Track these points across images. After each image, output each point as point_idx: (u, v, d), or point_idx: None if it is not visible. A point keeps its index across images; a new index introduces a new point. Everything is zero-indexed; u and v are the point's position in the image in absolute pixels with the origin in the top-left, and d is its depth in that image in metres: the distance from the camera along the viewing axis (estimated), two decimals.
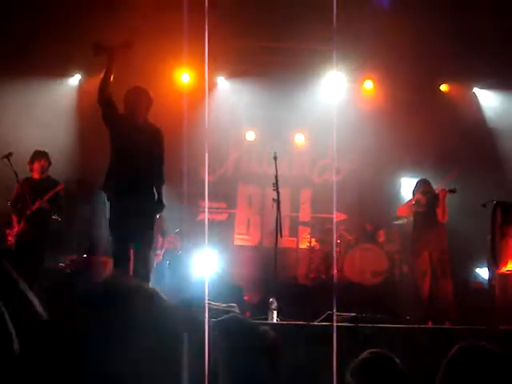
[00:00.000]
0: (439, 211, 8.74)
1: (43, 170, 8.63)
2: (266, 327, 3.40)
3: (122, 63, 10.74)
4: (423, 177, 9.34)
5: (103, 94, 6.38)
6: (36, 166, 8.59)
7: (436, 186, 9.05)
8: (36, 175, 8.62)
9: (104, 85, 6.38)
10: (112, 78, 6.47)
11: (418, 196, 8.94)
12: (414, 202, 8.99)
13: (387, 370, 3.02)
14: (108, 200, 6.40)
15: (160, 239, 9.82)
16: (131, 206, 6.18)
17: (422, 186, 8.97)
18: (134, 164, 6.24)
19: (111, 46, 6.51)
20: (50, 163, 8.72)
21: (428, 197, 8.86)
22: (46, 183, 8.60)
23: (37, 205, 8.37)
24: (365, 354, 3.10)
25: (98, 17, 9.95)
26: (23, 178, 8.57)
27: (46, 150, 8.77)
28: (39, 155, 8.64)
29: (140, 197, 6.26)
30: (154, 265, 9.12)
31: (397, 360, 3.06)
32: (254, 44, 10.96)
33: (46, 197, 8.43)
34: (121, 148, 6.36)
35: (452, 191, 8.74)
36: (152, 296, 1.54)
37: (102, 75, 6.48)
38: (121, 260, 6.26)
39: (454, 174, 9.38)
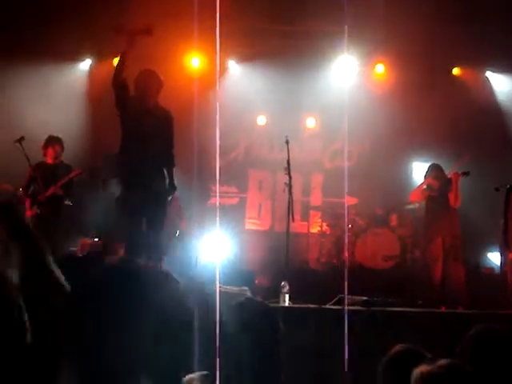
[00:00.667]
0: (452, 195, 8.71)
1: (57, 156, 8.67)
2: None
3: (135, 49, 10.82)
4: (435, 161, 9.30)
5: (118, 77, 6.42)
6: (50, 151, 8.62)
7: (448, 170, 9.00)
8: (49, 160, 8.65)
9: (120, 68, 6.41)
10: (127, 62, 6.48)
11: (430, 180, 8.91)
12: (425, 187, 8.96)
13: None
14: (118, 184, 6.46)
15: (178, 221, 9.82)
16: (142, 189, 6.21)
17: (434, 171, 8.94)
18: (145, 146, 6.26)
19: (131, 31, 6.50)
20: (63, 149, 8.74)
21: (440, 182, 8.83)
22: (60, 169, 8.63)
23: (51, 190, 8.39)
24: (396, 348, 3.06)
25: (108, 1, 9.95)
26: (36, 162, 8.59)
27: (60, 136, 8.79)
28: (53, 140, 8.66)
29: (151, 179, 6.29)
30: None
31: (428, 355, 3.02)
32: (264, 27, 10.93)
33: (60, 182, 8.45)
34: (131, 130, 6.38)
35: (465, 174, 8.71)
36: (165, 276, 1.53)
37: (118, 59, 6.49)
38: (133, 243, 6.29)
39: (466, 158, 9.31)
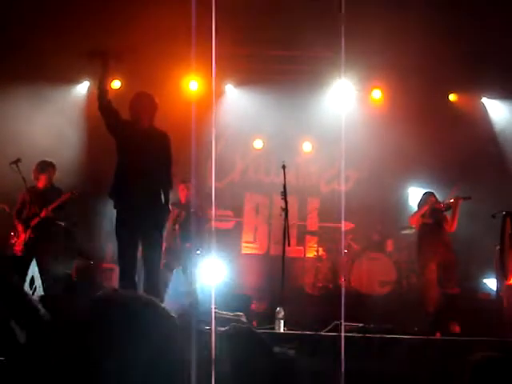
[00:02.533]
0: (451, 220, 8.75)
1: (50, 181, 8.65)
2: (281, 349, 3.34)
3: (130, 71, 10.86)
4: (431, 187, 9.31)
5: (102, 102, 6.32)
6: (43, 176, 8.60)
7: (445, 197, 9.02)
8: (41, 185, 8.62)
9: (101, 92, 6.32)
10: (108, 84, 6.49)
11: (426, 208, 8.91)
12: (420, 215, 8.97)
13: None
14: (115, 207, 6.34)
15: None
16: (139, 212, 6.16)
17: (428, 198, 8.96)
18: (141, 170, 6.19)
19: (104, 52, 6.43)
20: (55, 172, 8.74)
21: (433, 209, 8.85)
22: (51, 192, 8.61)
23: (43, 214, 8.38)
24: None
25: (106, 25, 9.98)
26: (28, 186, 8.56)
27: (53, 161, 8.77)
28: (46, 166, 8.63)
29: (147, 202, 6.22)
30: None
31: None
32: (262, 52, 10.98)
33: (52, 206, 8.43)
34: (127, 154, 6.30)
35: (467, 198, 8.75)
36: (156, 311, 1.51)
37: (97, 83, 6.41)
38: (127, 268, 6.24)
39: (459, 185, 9.31)
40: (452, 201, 8.85)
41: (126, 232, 6.22)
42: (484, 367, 2.85)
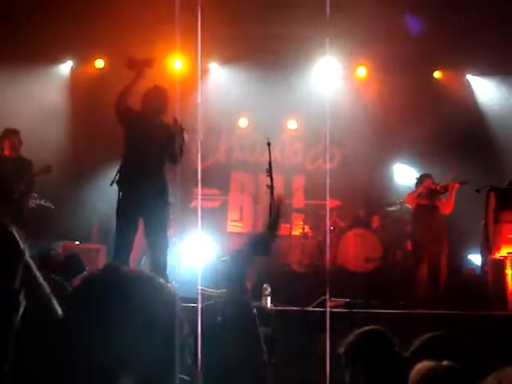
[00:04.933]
0: (446, 202, 8.81)
1: (14, 148, 8.41)
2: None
3: (114, 50, 10.78)
4: (415, 163, 9.35)
5: (123, 102, 6.68)
6: (7, 142, 8.39)
7: (443, 178, 9.08)
8: (7, 152, 8.41)
9: (124, 96, 6.69)
10: (132, 91, 6.81)
11: (421, 189, 8.96)
12: (416, 195, 9.01)
13: (378, 345, 3.06)
14: (120, 191, 6.61)
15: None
16: (144, 195, 6.44)
17: (425, 180, 8.99)
18: (147, 158, 6.47)
19: (141, 63, 6.78)
20: (21, 142, 8.47)
21: (430, 191, 8.90)
22: (20, 163, 8.36)
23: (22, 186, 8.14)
24: (354, 333, 3.13)
25: (90, 3, 9.89)
26: None
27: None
28: (9, 133, 8.41)
29: (154, 190, 6.50)
30: None
31: (387, 334, 3.10)
32: (247, 30, 10.91)
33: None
34: (135, 144, 6.61)
35: (463, 183, 8.80)
36: (154, 284, 1.52)
37: (126, 86, 6.74)
38: (123, 247, 6.53)
39: (457, 170, 9.34)
40: (449, 184, 8.90)
41: (128, 213, 6.52)
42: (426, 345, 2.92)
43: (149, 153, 6.47)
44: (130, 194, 6.56)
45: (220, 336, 3.25)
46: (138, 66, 6.75)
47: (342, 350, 3.10)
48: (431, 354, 2.58)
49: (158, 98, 6.79)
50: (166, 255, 6.69)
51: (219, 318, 3.39)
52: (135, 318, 1.40)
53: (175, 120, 6.66)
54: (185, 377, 1.89)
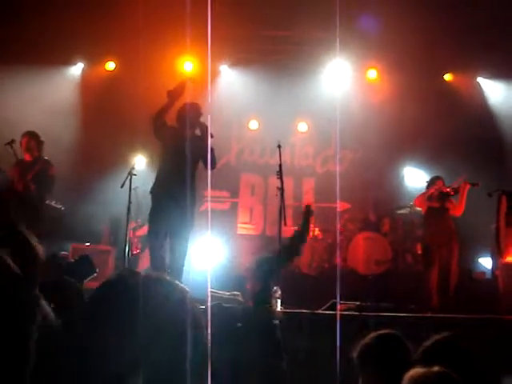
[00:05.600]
0: (457, 204, 8.77)
1: (30, 149, 8.33)
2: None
3: (125, 53, 10.82)
4: (426, 166, 9.31)
5: (160, 119, 7.18)
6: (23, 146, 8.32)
7: (454, 181, 9.04)
8: (26, 157, 8.34)
9: (161, 114, 7.18)
10: (169, 110, 7.28)
11: (432, 191, 8.93)
12: (427, 197, 8.98)
13: (392, 348, 3.05)
14: (154, 199, 7.19)
15: None
16: (174, 205, 6.93)
17: (436, 183, 8.96)
18: (180, 169, 6.88)
19: (179, 91, 7.27)
20: (39, 143, 8.40)
21: (441, 193, 8.87)
22: (36, 163, 8.30)
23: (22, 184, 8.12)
24: (369, 337, 3.12)
25: (102, 6, 9.93)
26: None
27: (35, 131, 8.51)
28: (26, 134, 8.36)
29: (184, 197, 6.87)
30: None
31: (402, 338, 3.09)
32: (257, 33, 10.93)
33: (31, 174, 8.16)
34: (170, 155, 7.14)
35: (474, 185, 8.74)
36: (164, 282, 1.53)
37: (162, 107, 7.23)
38: (155, 252, 6.98)
39: (469, 172, 9.31)
40: (459, 186, 8.86)
41: (159, 219, 7.00)
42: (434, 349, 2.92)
43: (182, 164, 6.84)
44: (164, 202, 7.03)
45: (241, 341, 3.25)
46: (176, 93, 7.25)
47: (355, 353, 3.09)
48: (438, 357, 2.58)
49: (191, 113, 7.21)
50: (184, 260, 7.08)
51: (239, 324, 3.39)
52: (150, 320, 1.41)
53: (206, 130, 7.12)
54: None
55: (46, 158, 8.51)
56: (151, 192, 7.28)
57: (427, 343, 2.91)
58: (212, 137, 7.08)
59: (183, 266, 7.07)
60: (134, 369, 1.40)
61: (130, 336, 1.40)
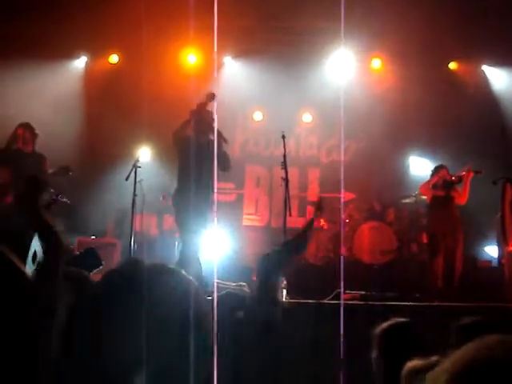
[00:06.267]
0: (461, 193, 8.77)
1: (26, 142, 8.14)
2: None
3: (128, 46, 10.82)
4: (430, 156, 9.28)
5: (181, 133, 7.56)
6: (18, 136, 8.12)
7: (459, 170, 9.04)
8: (20, 146, 8.14)
9: (184, 128, 7.58)
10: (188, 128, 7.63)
11: (437, 179, 8.93)
12: (431, 186, 8.99)
13: (406, 336, 3.07)
14: (176, 203, 7.65)
15: None
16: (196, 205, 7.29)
17: (441, 171, 8.96)
18: (201, 175, 7.27)
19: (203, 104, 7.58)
20: (34, 135, 8.22)
21: (445, 182, 8.87)
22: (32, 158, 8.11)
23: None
24: (386, 323, 3.14)
25: None
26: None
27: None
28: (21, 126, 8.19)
29: (205, 198, 7.48)
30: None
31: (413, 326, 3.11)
32: (261, 23, 10.91)
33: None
34: (188, 161, 7.35)
35: (478, 173, 8.75)
36: (173, 274, 1.54)
37: (185, 121, 7.62)
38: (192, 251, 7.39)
39: (474, 161, 9.30)
40: (463, 174, 8.86)
41: (188, 219, 7.39)
42: (469, 330, 2.91)
43: (201, 168, 7.24)
44: (186, 205, 7.36)
45: (242, 331, 3.26)
46: (197, 112, 7.62)
47: (374, 340, 3.10)
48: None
49: (207, 120, 7.56)
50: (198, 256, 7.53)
51: (241, 313, 3.40)
52: (156, 310, 1.43)
53: (220, 134, 7.48)
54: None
55: (41, 152, 8.39)
56: (174, 198, 7.72)
57: (457, 325, 2.91)
58: (226, 142, 7.61)
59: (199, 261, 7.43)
60: (137, 364, 1.41)
61: (133, 325, 1.41)
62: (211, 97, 7.54)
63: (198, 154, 7.29)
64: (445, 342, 2.95)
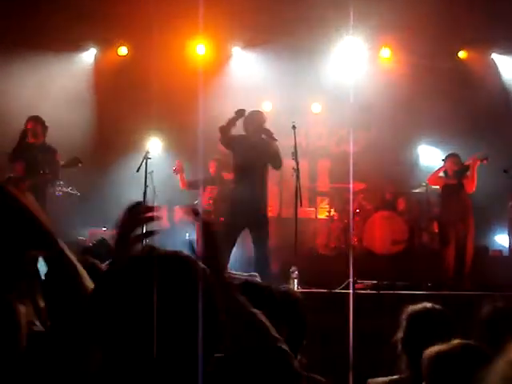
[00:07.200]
0: (469, 180, 8.74)
1: (35, 134, 8.21)
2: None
3: (137, 38, 10.83)
4: (441, 145, 9.26)
5: (225, 136, 7.78)
6: (28, 130, 8.18)
7: (468, 158, 9.01)
8: (30, 139, 8.20)
9: (226, 130, 7.76)
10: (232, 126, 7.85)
11: (447, 168, 8.92)
12: (441, 174, 8.98)
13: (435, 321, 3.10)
14: (232, 198, 7.91)
15: None
16: (248, 203, 7.55)
17: (452, 159, 8.94)
18: (255, 173, 7.70)
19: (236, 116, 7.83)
20: (44, 128, 8.28)
21: (456, 170, 8.85)
22: (41, 150, 8.18)
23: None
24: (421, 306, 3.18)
25: None
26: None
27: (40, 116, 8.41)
28: (31, 119, 8.25)
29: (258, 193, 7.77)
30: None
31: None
32: (270, 13, 10.87)
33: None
34: (242, 162, 7.78)
35: (483, 160, 8.72)
36: (188, 262, 1.55)
37: (226, 124, 7.80)
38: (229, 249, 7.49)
39: (484, 149, 9.27)
40: (470, 162, 8.84)
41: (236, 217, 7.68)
42: (492, 318, 2.92)
43: (254, 166, 7.65)
44: (240, 200, 7.62)
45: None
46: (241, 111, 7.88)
47: (402, 321, 3.14)
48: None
49: (257, 121, 7.90)
50: (267, 252, 7.79)
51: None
52: (172, 298, 1.44)
53: (271, 134, 7.90)
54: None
55: (51, 144, 8.39)
56: (231, 193, 8.04)
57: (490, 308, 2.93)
58: (276, 140, 7.90)
59: (266, 260, 7.67)
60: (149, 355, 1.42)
61: (146, 311, 1.42)
62: (241, 113, 7.78)
63: (249, 153, 7.66)
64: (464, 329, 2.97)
